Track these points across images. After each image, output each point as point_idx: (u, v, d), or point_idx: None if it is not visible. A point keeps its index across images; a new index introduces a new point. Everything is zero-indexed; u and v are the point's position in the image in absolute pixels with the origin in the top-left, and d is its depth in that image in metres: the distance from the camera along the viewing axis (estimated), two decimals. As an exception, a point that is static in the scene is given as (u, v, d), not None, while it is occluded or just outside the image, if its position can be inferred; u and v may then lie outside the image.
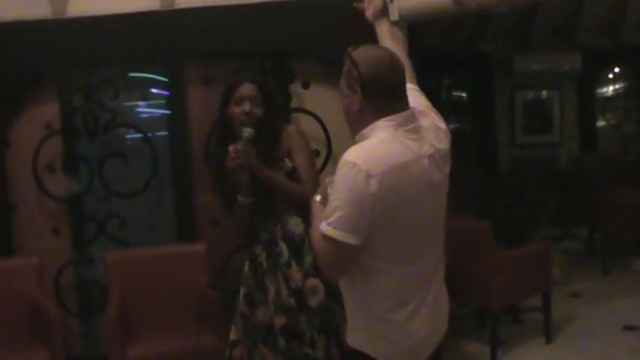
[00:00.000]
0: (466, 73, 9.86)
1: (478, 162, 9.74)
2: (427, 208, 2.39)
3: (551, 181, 9.52)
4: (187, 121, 5.17)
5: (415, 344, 2.41)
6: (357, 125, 2.36)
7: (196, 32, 5.04)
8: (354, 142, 2.36)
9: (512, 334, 5.56)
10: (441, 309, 2.57)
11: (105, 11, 4.97)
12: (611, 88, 10.67)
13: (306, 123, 4.92)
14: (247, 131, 3.25)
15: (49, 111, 5.17)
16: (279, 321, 3.38)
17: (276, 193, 3.38)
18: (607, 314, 5.97)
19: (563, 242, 8.45)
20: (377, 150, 2.26)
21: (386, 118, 2.29)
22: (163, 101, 5.36)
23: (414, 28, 5.28)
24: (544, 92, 10.38)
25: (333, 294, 3.32)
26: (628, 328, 5.59)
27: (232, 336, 3.53)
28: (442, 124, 2.56)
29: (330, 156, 4.92)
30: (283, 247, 3.42)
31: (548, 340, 5.42)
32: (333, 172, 2.30)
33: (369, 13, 3.14)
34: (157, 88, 5.40)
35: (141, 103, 5.46)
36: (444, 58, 8.59)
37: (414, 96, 2.58)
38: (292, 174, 3.40)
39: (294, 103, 5.12)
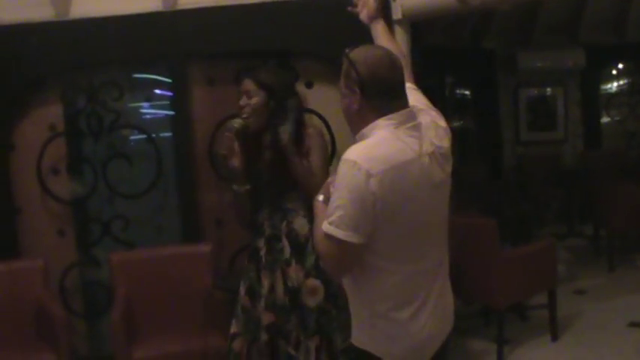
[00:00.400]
0: (469, 71, 9.84)
1: (482, 159, 9.73)
2: (429, 206, 2.39)
3: (556, 178, 9.51)
4: (191, 122, 5.16)
5: (419, 343, 2.41)
6: (357, 125, 2.37)
7: (199, 33, 5.03)
8: (355, 142, 2.36)
9: (518, 332, 5.55)
10: (445, 307, 2.56)
11: (108, 12, 4.96)
12: (615, 84, 10.65)
13: (310, 122, 4.91)
14: (236, 121, 3.43)
15: (52, 113, 5.17)
16: (267, 318, 3.39)
17: (287, 192, 3.41)
18: (613, 311, 5.96)
19: (568, 239, 8.43)
20: (377, 149, 2.26)
21: (386, 117, 2.30)
22: (167, 102, 5.36)
23: (417, 26, 5.28)
24: (548, 89, 10.37)
25: (333, 298, 3.33)
26: (634, 324, 5.58)
27: (233, 329, 3.55)
28: (442, 122, 2.55)
29: (334, 155, 4.91)
30: (286, 245, 3.43)
31: (555, 337, 5.41)
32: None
33: (363, 15, 3.12)
34: (160, 88, 5.40)
35: (145, 104, 5.46)
36: (447, 55, 8.58)
37: (414, 95, 2.58)
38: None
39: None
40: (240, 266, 4.19)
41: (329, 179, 2.47)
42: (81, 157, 5.26)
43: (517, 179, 9.53)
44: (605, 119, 10.47)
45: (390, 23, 4.37)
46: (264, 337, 3.39)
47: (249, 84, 3.51)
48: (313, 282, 3.40)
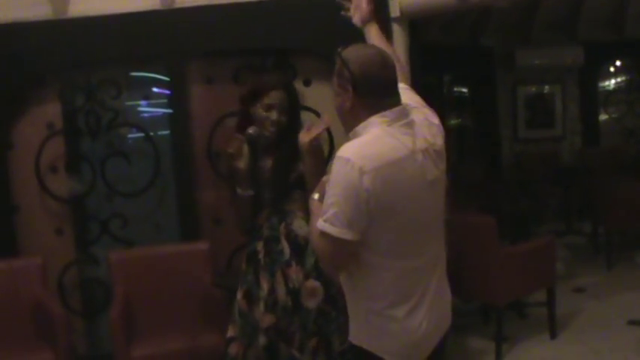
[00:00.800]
0: (468, 68, 9.84)
1: (480, 157, 9.73)
2: (424, 203, 2.39)
3: (554, 175, 9.50)
4: (189, 120, 5.17)
5: (416, 340, 2.41)
6: (350, 123, 2.38)
7: (197, 31, 5.04)
8: (348, 140, 2.36)
9: (517, 330, 5.55)
10: (442, 304, 2.56)
11: (106, 11, 4.96)
12: (613, 81, 10.65)
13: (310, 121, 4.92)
14: (254, 129, 3.37)
15: (51, 111, 5.17)
16: (268, 320, 3.38)
17: (285, 193, 3.41)
18: (611, 309, 5.97)
19: (566, 237, 8.44)
20: (371, 146, 2.28)
21: (379, 115, 2.31)
22: (165, 100, 5.35)
23: (416, 23, 5.28)
24: (546, 86, 10.36)
25: (332, 299, 3.32)
26: (633, 322, 5.58)
27: (230, 332, 3.53)
28: (436, 120, 2.55)
29: (332, 153, 4.91)
30: (285, 246, 3.42)
31: (553, 335, 5.41)
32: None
33: (356, 18, 3.11)
34: (158, 87, 5.40)
35: (143, 102, 5.46)
36: (446, 53, 8.57)
37: (406, 93, 2.58)
38: (302, 178, 3.41)
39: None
40: (238, 265, 4.19)
41: (324, 178, 2.47)
42: (79, 156, 5.26)
43: (515, 177, 9.53)
44: (603, 116, 10.47)
45: (386, 24, 4.36)
46: (262, 340, 3.38)
47: (281, 97, 3.40)
48: (313, 283, 3.39)
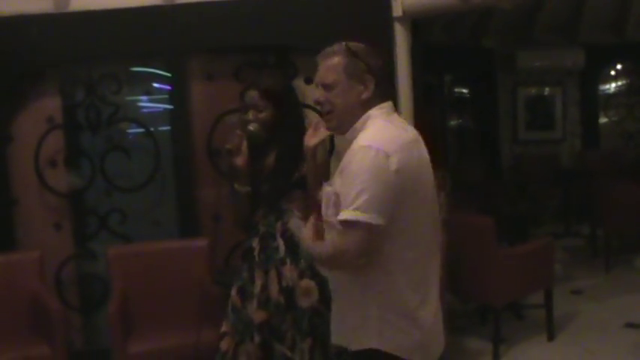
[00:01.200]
0: (468, 69, 9.83)
1: (480, 158, 9.73)
2: (429, 187, 2.46)
3: (553, 177, 9.51)
4: (190, 116, 5.16)
5: (426, 335, 2.41)
6: (352, 119, 2.44)
7: (199, 27, 5.03)
8: (347, 141, 2.43)
9: (515, 331, 5.55)
10: (439, 310, 2.54)
11: (107, 5, 4.95)
12: (613, 84, 10.66)
13: (309, 118, 4.91)
14: (253, 125, 3.40)
15: (51, 105, 5.16)
16: (260, 316, 3.38)
17: (284, 191, 3.40)
18: (609, 311, 5.96)
19: (564, 239, 8.44)
20: (385, 132, 2.36)
21: (376, 107, 2.43)
22: (166, 96, 5.34)
23: (417, 23, 5.28)
24: (546, 88, 10.37)
25: (326, 300, 3.31)
26: (630, 325, 5.59)
27: (223, 328, 3.53)
28: None
29: (333, 151, 4.90)
30: (280, 243, 3.42)
31: (551, 337, 5.41)
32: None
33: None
34: (159, 82, 5.39)
35: (143, 97, 5.44)
36: (447, 53, 8.57)
37: None
38: (304, 179, 3.40)
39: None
40: (237, 262, 4.18)
41: (324, 190, 2.44)
42: (79, 150, 5.25)
43: (515, 178, 9.53)
44: (603, 119, 10.48)
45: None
46: (257, 338, 3.37)
47: (254, 97, 3.46)
48: (307, 283, 3.38)
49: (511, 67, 9.78)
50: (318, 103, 2.51)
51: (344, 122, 2.46)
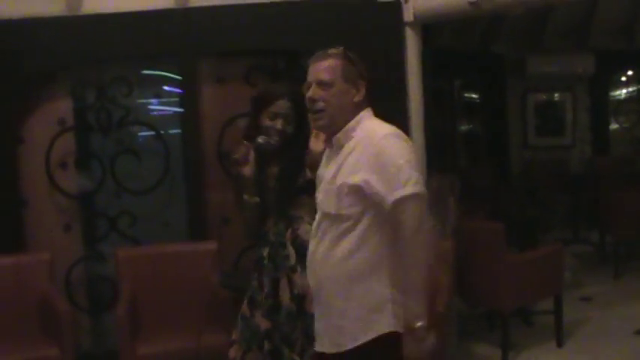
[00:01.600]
0: (479, 75, 9.82)
1: (490, 164, 9.70)
2: None
3: (563, 183, 9.47)
4: (200, 119, 5.17)
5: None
6: (345, 118, 2.63)
7: (210, 30, 5.04)
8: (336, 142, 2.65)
9: (523, 337, 5.53)
10: None
11: (119, 8, 4.97)
12: (624, 90, 10.62)
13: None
14: (263, 138, 3.33)
15: (62, 107, 5.19)
16: (264, 325, 3.38)
17: (290, 199, 3.39)
18: (618, 318, 5.93)
19: (573, 245, 8.40)
20: (387, 125, 2.64)
21: (365, 110, 2.67)
22: (176, 99, 5.36)
23: (428, 28, 5.28)
24: (556, 94, 10.34)
25: None
26: (639, 332, 5.55)
27: (233, 335, 3.54)
28: None
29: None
30: (291, 251, 3.40)
31: (560, 343, 5.39)
32: None
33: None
34: (169, 85, 5.41)
35: (154, 100, 5.46)
36: (457, 59, 8.56)
37: None
38: (309, 184, 3.39)
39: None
40: (246, 265, 4.19)
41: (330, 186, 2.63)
42: (89, 152, 5.28)
43: (524, 184, 9.49)
44: (613, 126, 10.44)
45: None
46: (267, 346, 3.37)
47: (287, 107, 3.37)
48: None
49: (521, 73, 9.75)
50: (311, 100, 2.64)
51: (335, 122, 2.63)
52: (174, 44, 5.08)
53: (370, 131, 2.58)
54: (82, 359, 4.82)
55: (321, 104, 2.61)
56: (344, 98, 2.62)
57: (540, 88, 10.19)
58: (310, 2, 5.02)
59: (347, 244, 2.55)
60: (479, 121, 10.21)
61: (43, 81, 5.14)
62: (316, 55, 2.71)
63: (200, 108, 5.18)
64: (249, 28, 5.02)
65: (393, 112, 5.04)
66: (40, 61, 5.03)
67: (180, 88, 5.27)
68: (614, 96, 10.53)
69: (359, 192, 2.50)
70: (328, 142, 2.72)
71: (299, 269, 3.37)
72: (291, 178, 3.40)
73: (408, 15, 5.05)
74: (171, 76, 5.34)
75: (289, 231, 3.42)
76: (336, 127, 2.63)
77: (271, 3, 5.03)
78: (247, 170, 3.38)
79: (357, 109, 2.64)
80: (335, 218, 2.58)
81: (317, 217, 2.73)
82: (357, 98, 2.64)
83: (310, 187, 3.38)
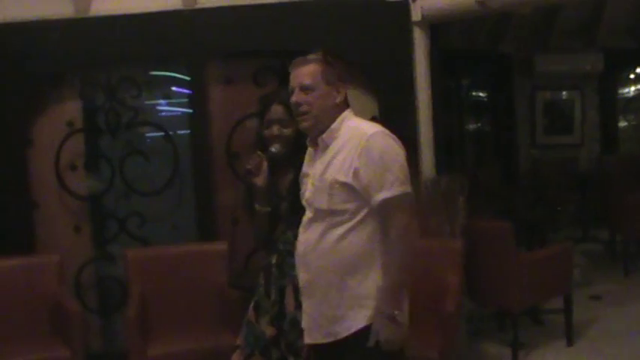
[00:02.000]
0: (487, 74, 9.80)
1: (498, 162, 9.68)
2: None
3: (572, 182, 9.44)
4: (209, 120, 5.18)
5: None
6: (329, 119, 2.74)
7: (218, 31, 5.05)
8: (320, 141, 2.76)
9: (533, 337, 5.52)
10: None
11: (127, 10, 4.99)
12: (632, 88, 10.56)
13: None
14: (275, 147, 3.34)
15: (71, 109, 5.21)
16: (269, 332, 3.39)
17: (301, 208, 3.39)
18: (628, 317, 5.92)
19: (582, 244, 8.38)
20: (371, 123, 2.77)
21: (347, 111, 2.78)
22: (185, 100, 5.37)
23: (435, 28, 5.28)
24: (565, 93, 10.30)
25: None
26: (650, 331, 5.55)
27: (237, 340, 3.55)
28: None
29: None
30: None
31: (570, 342, 5.37)
32: None
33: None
34: (178, 86, 5.41)
35: (162, 101, 5.47)
36: (465, 58, 8.55)
37: None
38: None
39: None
40: (255, 266, 4.19)
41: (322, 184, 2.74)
42: (98, 154, 5.30)
43: (533, 183, 9.47)
44: (622, 124, 10.40)
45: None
46: (274, 354, 3.39)
47: (280, 111, 3.35)
48: None
49: (529, 72, 9.73)
50: (296, 104, 2.76)
51: (320, 122, 2.74)
52: (183, 45, 5.09)
53: (358, 130, 2.68)
54: (92, 360, 4.83)
55: (304, 107, 2.73)
56: (326, 100, 2.73)
57: (548, 86, 10.16)
58: (318, 3, 5.03)
59: (338, 231, 2.67)
60: (487, 120, 10.18)
61: (51, 83, 5.16)
62: (297, 61, 2.85)
63: (209, 109, 5.19)
64: (258, 29, 5.03)
65: (401, 112, 5.10)
66: (49, 63, 5.05)
67: (188, 89, 5.28)
68: (622, 94, 10.48)
69: (350, 189, 2.63)
70: (313, 142, 2.82)
71: None
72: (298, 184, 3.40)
73: (415, 14, 5.05)
74: (180, 77, 5.35)
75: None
76: (320, 127, 2.74)
77: (279, 4, 5.04)
78: (260, 180, 3.38)
79: (339, 109, 2.76)
80: (327, 213, 2.69)
81: (307, 213, 2.83)
82: (339, 99, 2.76)
83: None
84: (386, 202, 2.57)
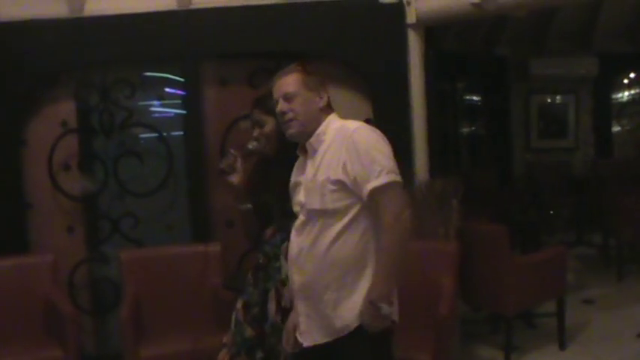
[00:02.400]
0: (481, 77, 9.82)
1: (492, 166, 9.70)
2: None
3: (566, 186, 9.47)
4: (203, 121, 5.17)
5: None
6: (314, 123, 2.80)
7: (213, 32, 5.05)
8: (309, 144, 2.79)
9: (526, 340, 5.52)
10: None
11: (122, 10, 4.98)
12: (626, 93, 10.61)
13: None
14: (252, 144, 3.41)
15: (65, 109, 5.19)
16: (248, 332, 3.40)
17: (290, 213, 3.39)
18: (621, 321, 5.92)
19: (576, 248, 8.40)
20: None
21: (332, 114, 2.85)
22: (179, 101, 5.36)
23: (431, 30, 5.29)
24: (559, 96, 10.33)
25: None
26: (643, 335, 5.55)
27: (224, 339, 3.55)
28: None
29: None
30: (283, 265, 3.40)
31: (562, 346, 5.38)
32: None
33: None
34: (172, 87, 5.41)
35: (156, 102, 5.46)
36: (460, 61, 8.57)
37: None
38: None
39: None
40: (249, 267, 4.18)
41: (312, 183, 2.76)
42: (92, 154, 5.28)
43: (527, 186, 9.49)
44: (616, 128, 10.44)
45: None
46: (259, 354, 3.39)
47: (258, 114, 3.45)
48: None
49: (524, 75, 9.76)
50: (281, 113, 2.82)
51: (306, 128, 2.79)
52: (177, 46, 5.09)
53: (342, 128, 2.74)
54: (86, 361, 4.82)
55: (290, 115, 2.79)
56: (310, 105, 2.80)
57: (543, 90, 10.19)
58: (313, 4, 5.03)
59: (331, 232, 2.69)
60: (482, 123, 10.21)
61: (45, 83, 5.14)
62: (278, 74, 2.89)
63: (203, 110, 5.19)
64: (252, 30, 5.03)
65: (395, 115, 5.10)
66: (43, 63, 5.04)
67: (183, 90, 5.28)
68: (616, 98, 10.52)
69: (341, 187, 2.67)
70: (302, 150, 2.86)
71: (288, 284, 3.38)
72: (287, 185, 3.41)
73: (410, 17, 5.05)
74: (174, 78, 5.34)
75: (285, 245, 3.42)
76: (307, 133, 2.79)
77: (274, 5, 5.04)
78: (235, 178, 3.43)
79: (323, 114, 2.83)
80: (321, 213, 2.71)
81: (300, 217, 2.84)
82: (322, 104, 2.82)
83: None
84: (375, 191, 2.60)
